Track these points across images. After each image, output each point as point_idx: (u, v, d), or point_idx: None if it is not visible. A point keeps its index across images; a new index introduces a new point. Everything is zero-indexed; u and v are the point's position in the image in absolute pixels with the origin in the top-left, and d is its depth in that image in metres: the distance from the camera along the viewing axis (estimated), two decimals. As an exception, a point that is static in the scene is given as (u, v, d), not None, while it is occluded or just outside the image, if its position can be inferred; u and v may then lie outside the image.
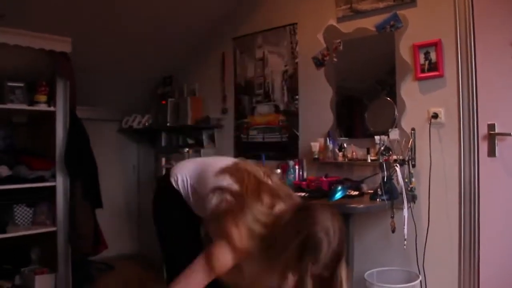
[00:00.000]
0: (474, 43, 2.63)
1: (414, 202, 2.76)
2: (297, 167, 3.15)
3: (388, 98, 2.86)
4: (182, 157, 3.81)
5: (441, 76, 2.72)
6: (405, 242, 2.51)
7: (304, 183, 3.02)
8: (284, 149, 3.46)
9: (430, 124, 2.73)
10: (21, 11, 3.06)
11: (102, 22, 3.39)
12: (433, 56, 2.74)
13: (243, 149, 3.78)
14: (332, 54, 3.20)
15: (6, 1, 2.93)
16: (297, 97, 3.42)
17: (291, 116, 3.45)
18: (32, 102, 3.48)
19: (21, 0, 2.97)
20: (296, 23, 3.43)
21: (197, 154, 3.78)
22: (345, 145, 3.03)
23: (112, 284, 3.99)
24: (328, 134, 3.13)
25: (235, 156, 3.74)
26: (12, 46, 3.16)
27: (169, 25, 3.54)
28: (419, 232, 2.72)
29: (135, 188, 4.87)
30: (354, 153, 2.99)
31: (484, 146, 2.57)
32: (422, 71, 2.78)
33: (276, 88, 3.56)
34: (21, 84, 3.45)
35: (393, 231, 2.52)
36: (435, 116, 2.72)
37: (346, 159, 3.01)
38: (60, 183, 3.51)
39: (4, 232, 3.27)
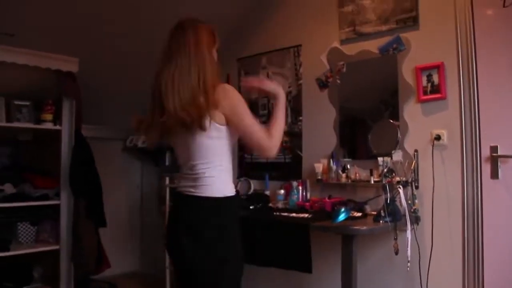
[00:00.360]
0: (476, 65, 2.65)
1: (418, 224, 2.76)
2: (300, 187, 3.15)
3: (391, 120, 2.88)
4: (186, 177, 3.83)
5: (443, 98, 2.74)
6: (409, 264, 2.51)
7: (307, 204, 3.02)
8: (288, 170, 3.46)
9: (433, 146, 2.74)
10: (30, 31, 3.11)
11: (108, 41, 3.44)
12: (435, 78, 2.77)
13: (246, 169, 3.79)
14: (336, 76, 3.23)
15: (15, 21, 2.99)
16: (300, 118, 3.44)
17: (295, 137, 3.47)
18: (38, 121, 3.52)
19: (29, 20, 3.02)
20: (300, 45, 3.48)
21: (201, 173, 3.78)
22: (348, 166, 3.04)
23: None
24: (332, 155, 3.15)
25: (238, 176, 3.75)
26: (20, 65, 3.21)
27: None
28: (422, 254, 2.71)
29: (138, 207, 4.87)
30: (357, 174, 3.00)
31: (487, 168, 2.58)
32: (425, 93, 2.81)
33: (280, 109, 3.58)
34: (28, 103, 3.50)
35: (396, 253, 2.51)
36: (438, 138, 2.74)
37: (350, 180, 3.02)
38: (64, 201, 3.53)
39: (8, 250, 3.28)
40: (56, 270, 3.52)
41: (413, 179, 2.77)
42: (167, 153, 4.41)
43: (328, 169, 3.12)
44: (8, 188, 3.38)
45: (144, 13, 3.33)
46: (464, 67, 2.68)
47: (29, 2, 2.89)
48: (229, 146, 1.79)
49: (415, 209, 2.74)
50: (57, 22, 3.11)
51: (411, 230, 2.54)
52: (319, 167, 3.14)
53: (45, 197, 3.51)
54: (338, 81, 3.22)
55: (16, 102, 3.45)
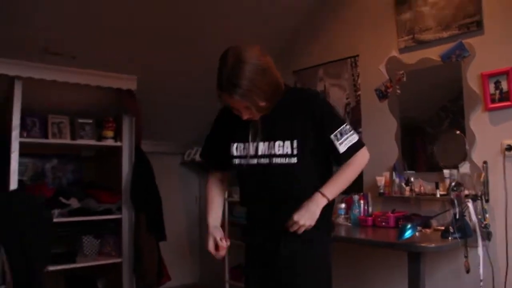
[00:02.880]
0: (549, 69, 2.49)
1: (489, 240, 2.60)
2: (362, 201, 3.06)
3: (458, 131, 2.74)
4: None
5: (514, 106, 2.59)
6: (481, 283, 2.36)
7: (369, 218, 2.93)
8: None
9: (504, 157, 2.59)
10: (90, 52, 3.23)
11: (166, 59, 3.50)
12: (504, 85, 2.62)
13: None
14: (396, 86, 3.13)
15: (76, 44, 3.11)
16: (360, 129, 3.35)
17: (354, 149, 3.37)
18: (100, 138, 3.65)
19: (89, 42, 3.13)
20: (358, 55, 3.40)
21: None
22: (412, 179, 2.93)
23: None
24: (394, 168, 3.04)
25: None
26: (82, 85, 3.34)
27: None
28: (496, 273, 2.55)
29: (196, 220, 4.92)
30: (422, 188, 2.88)
31: None
32: (493, 101, 2.66)
33: (338, 121, 3.51)
34: (90, 121, 3.64)
35: (467, 272, 2.37)
36: (509, 148, 2.58)
37: (414, 194, 2.90)
38: (125, 215, 3.63)
39: (74, 262, 3.40)
40: (119, 282, 3.61)
41: (483, 192, 2.62)
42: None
43: (390, 182, 3.02)
44: (74, 203, 3.50)
45: (202, 35, 3.38)
46: (536, 72, 2.52)
47: (89, 25, 3.00)
48: None
49: (486, 224, 2.59)
50: (114, 42, 3.20)
51: (482, 247, 2.40)
52: (381, 180, 3.04)
53: (108, 212, 3.62)
54: (398, 91, 3.12)
55: (80, 120, 3.60)
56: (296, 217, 1.61)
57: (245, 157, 1.70)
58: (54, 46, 3.04)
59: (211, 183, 1.89)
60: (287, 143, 1.63)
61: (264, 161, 1.67)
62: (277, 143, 1.64)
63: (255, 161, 1.69)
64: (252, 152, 1.69)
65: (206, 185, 1.92)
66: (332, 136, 1.64)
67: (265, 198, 1.71)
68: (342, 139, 1.65)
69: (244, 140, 1.71)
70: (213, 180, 1.90)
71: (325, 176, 1.70)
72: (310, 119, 1.65)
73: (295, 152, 1.62)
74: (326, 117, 1.67)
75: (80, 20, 2.95)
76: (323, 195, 1.64)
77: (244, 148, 1.71)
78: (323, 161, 1.73)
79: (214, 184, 1.89)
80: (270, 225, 1.72)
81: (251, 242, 1.82)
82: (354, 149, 1.67)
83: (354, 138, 1.67)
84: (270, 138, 1.66)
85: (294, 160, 1.62)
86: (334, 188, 1.66)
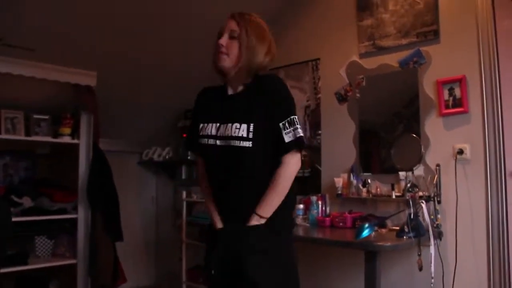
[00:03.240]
0: (499, 78, 2.63)
1: (440, 239, 2.72)
2: (320, 202, 3.12)
3: (414, 135, 2.85)
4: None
5: (465, 112, 2.71)
6: (432, 280, 2.45)
7: (327, 218, 2.99)
8: (307, 184, 3.43)
9: (455, 160, 2.71)
10: (49, 46, 3.13)
11: (124, 56, 3.44)
12: (457, 92, 2.75)
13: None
14: (355, 90, 3.22)
15: (35, 37, 3.01)
16: (319, 132, 3.42)
17: (314, 151, 3.44)
18: (56, 134, 3.54)
19: (48, 35, 3.04)
20: (319, 59, 3.47)
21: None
22: (369, 180, 3.01)
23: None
24: (351, 169, 3.12)
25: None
26: (39, 79, 3.23)
27: (192, 59, 3.58)
28: (446, 270, 2.67)
29: (153, 220, 4.86)
30: (378, 189, 2.97)
31: (512, 183, 2.54)
32: (447, 107, 2.78)
33: (298, 123, 3.56)
34: (47, 117, 3.52)
35: (420, 269, 2.46)
36: (461, 152, 2.71)
37: (370, 195, 2.99)
38: (81, 215, 3.53)
39: (26, 263, 3.27)
40: (73, 284, 3.51)
41: (436, 194, 2.73)
42: (183, 166, 4.41)
43: (348, 184, 3.09)
44: (26, 202, 3.38)
45: (161, 29, 3.35)
46: (487, 80, 2.66)
47: (49, 17, 2.91)
48: None
49: (437, 224, 2.71)
50: (75, 36, 3.12)
51: (434, 246, 2.50)
52: (339, 181, 3.11)
53: (62, 211, 3.51)
54: (358, 95, 3.21)
55: (35, 116, 3.47)
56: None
57: (207, 136, 1.72)
58: (11, 37, 2.93)
59: (203, 177, 1.86)
60: (244, 126, 1.63)
61: (221, 142, 1.68)
62: (234, 125, 1.64)
63: (214, 141, 1.70)
64: (213, 132, 1.70)
65: (200, 180, 1.90)
66: (280, 124, 1.65)
67: (221, 179, 1.72)
68: (289, 129, 1.65)
69: (208, 121, 1.73)
70: (204, 173, 1.86)
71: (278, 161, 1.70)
72: (266, 102, 1.66)
73: (250, 135, 1.62)
74: (279, 103, 1.68)
75: (41, 12, 2.86)
76: (260, 216, 1.64)
77: (206, 128, 1.73)
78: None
79: (203, 174, 1.86)
80: (226, 207, 1.73)
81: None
82: (296, 144, 1.65)
83: (299, 132, 1.67)
84: (229, 120, 1.67)
85: (249, 143, 1.62)
86: (269, 207, 1.65)
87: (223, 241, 1.70)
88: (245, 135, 1.62)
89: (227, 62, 1.69)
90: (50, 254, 3.58)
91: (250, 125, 1.63)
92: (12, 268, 3.14)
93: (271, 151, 1.67)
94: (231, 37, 1.70)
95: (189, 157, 4.22)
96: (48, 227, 3.55)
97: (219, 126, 1.70)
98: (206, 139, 1.72)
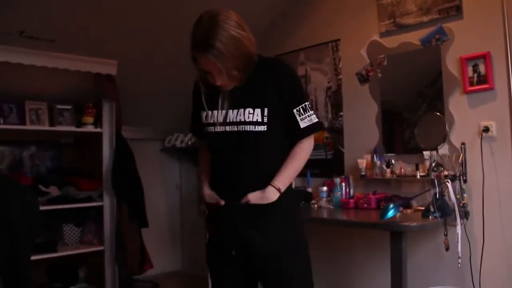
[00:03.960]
0: (525, 53, 2.56)
1: (467, 219, 2.68)
2: (343, 184, 3.10)
3: (438, 113, 2.79)
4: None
5: (491, 88, 2.65)
6: (459, 260, 2.43)
7: (351, 200, 2.98)
8: (330, 166, 3.41)
9: (481, 138, 2.66)
10: (69, 36, 3.16)
11: (146, 43, 3.46)
12: (482, 68, 2.68)
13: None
14: (376, 70, 3.17)
15: (55, 28, 3.04)
16: (341, 113, 3.39)
17: (336, 133, 3.41)
18: (80, 124, 3.59)
19: (68, 26, 3.07)
20: (339, 39, 3.42)
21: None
22: (393, 161, 2.98)
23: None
24: (375, 150, 3.09)
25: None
26: (61, 70, 3.28)
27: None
28: (473, 250, 2.63)
29: (177, 206, 4.91)
30: (402, 170, 2.94)
31: (540, 160, 2.49)
32: (471, 84, 2.72)
33: (319, 105, 3.53)
34: (69, 107, 3.57)
35: (447, 249, 2.44)
36: (486, 130, 2.65)
37: (394, 176, 2.96)
38: (107, 203, 3.59)
39: (55, 251, 3.35)
40: (101, 271, 3.59)
41: (461, 173, 2.69)
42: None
43: (371, 165, 3.06)
44: (53, 191, 3.45)
45: (180, 17, 3.34)
46: (513, 56, 2.58)
47: (68, 8, 2.93)
48: None
49: (464, 203, 2.67)
50: (95, 25, 3.14)
51: (461, 225, 2.47)
52: (363, 162, 3.09)
53: (88, 199, 3.58)
54: (379, 75, 3.16)
55: (58, 106, 3.53)
56: (250, 195, 1.63)
57: (213, 124, 1.69)
58: (31, 29, 2.97)
59: (202, 151, 1.87)
60: (258, 110, 1.62)
61: (231, 128, 1.66)
62: (247, 110, 1.63)
63: (223, 128, 1.68)
64: (220, 119, 1.68)
65: (199, 156, 1.91)
66: (295, 111, 1.67)
67: (232, 165, 1.69)
68: (305, 115, 1.67)
69: (213, 108, 1.70)
70: (203, 149, 1.87)
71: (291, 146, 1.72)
72: (278, 89, 1.65)
73: (265, 120, 1.62)
74: (292, 90, 1.68)
75: (59, 3, 2.88)
76: (275, 187, 1.64)
77: (211, 116, 1.69)
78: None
79: (204, 152, 1.86)
80: (235, 191, 1.69)
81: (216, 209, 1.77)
82: (312, 129, 1.70)
83: (315, 118, 1.70)
84: (240, 105, 1.65)
85: (263, 127, 1.62)
86: (285, 179, 1.67)
87: (235, 218, 1.68)
88: (259, 119, 1.62)
89: (222, 80, 1.61)
90: (78, 242, 3.67)
91: (264, 110, 1.62)
92: (42, 255, 3.22)
93: (283, 134, 1.69)
94: (212, 69, 1.59)
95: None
96: (75, 215, 3.63)
97: (227, 113, 1.67)
98: (212, 127, 1.70)
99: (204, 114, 1.72)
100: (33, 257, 3.09)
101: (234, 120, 1.65)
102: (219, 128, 1.68)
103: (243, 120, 1.64)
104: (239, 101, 1.65)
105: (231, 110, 1.66)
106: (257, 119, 1.62)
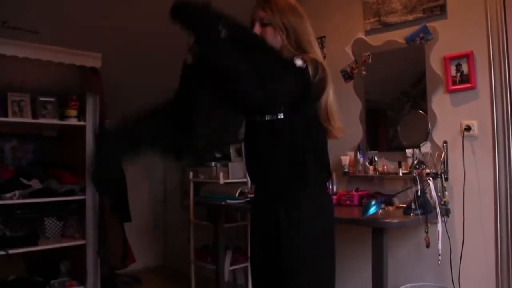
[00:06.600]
0: (508, 53, 2.59)
1: (448, 216, 2.72)
2: (327, 180, 3.11)
3: (421, 111, 2.82)
4: (210, 171, 3.83)
5: (473, 88, 2.68)
6: (440, 257, 2.46)
7: (334, 197, 2.99)
8: (313, 163, 3.42)
9: (463, 137, 2.69)
10: (53, 28, 3.12)
11: (130, 36, 3.43)
12: (464, 68, 2.71)
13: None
14: (361, 67, 3.19)
15: (39, 19, 3.00)
16: (325, 110, 3.40)
17: (319, 129, 3.42)
18: (63, 117, 3.54)
19: (52, 17, 3.03)
20: (324, 36, 3.43)
21: (225, 167, 3.77)
22: (376, 158, 3.00)
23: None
24: (358, 148, 3.11)
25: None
26: (44, 62, 3.23)
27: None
28: (453, 247, 2.67)
29: (161, 201, 4.89)
30: (385, 167, 2.96)
31: (520, 159, 2.52)
32: (454, 83, 2.75)
33: (304, 101, 3.53)
34: (53, 99, 3.52)
35: (427, 246, 2.46)
36: (468, 128, 2.68)
37: (377, 173, 2.98)
38: (89, 196, 3.55)
39: (36, 244, 3.31)
40: (83, 265, 3.55)
41: (443, 171, 2.72)
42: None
43: (355, 162, 3.09)
44: (35, 184, 3.40)
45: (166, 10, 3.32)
46: (495, 55, 2.62)
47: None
48: None
49: (445, 201, 2.71)
50: (80, 18, 3.11)
51: (441, 223, 2.50)
52: (346, 159, 3.11)
53: (71, 193, 3.53)
54: (364, 72, 3.18)
55: (41, 99, 3.47)
56: None
57: None
58: (15, 20, 2.92)
59: None
60: None
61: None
62: None
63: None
64: None
65: None
66: None
67: (255, 155, 1.76)
68: None
69: None
70: None
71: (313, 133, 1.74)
72: None
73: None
74: None
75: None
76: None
77: None
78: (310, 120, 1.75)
79: None
80: (261, 181, 1.78)
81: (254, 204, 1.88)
82: None
83: None
84: None
85: (280, 115, 1.65)
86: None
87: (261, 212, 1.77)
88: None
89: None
90: (60, 235, 3.62)
91: None
92: (22, 249, 3.18)
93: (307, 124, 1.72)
94: (263, 25, 1.66)
95: (195, 138, 4.21)
96: (57, 208, 3.58)
97: None
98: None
99: None
100: (13, 251, 3.08)
101: None
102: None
103: None
104: None
105: None
106: None
